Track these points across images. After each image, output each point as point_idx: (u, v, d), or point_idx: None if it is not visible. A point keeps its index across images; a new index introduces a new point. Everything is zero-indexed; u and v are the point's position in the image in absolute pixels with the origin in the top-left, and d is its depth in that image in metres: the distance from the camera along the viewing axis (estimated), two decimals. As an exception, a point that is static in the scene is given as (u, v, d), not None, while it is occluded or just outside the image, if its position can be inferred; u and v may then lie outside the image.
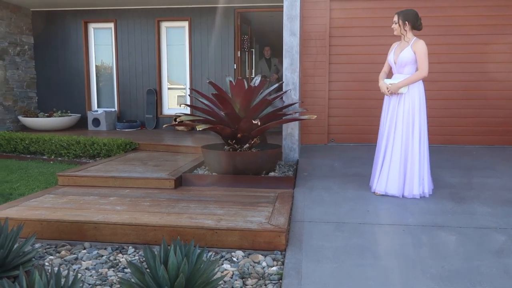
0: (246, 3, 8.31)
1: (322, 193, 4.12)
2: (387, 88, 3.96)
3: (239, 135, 4.63)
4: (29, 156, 6.97)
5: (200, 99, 5.16)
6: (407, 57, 3.84)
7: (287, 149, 5.52)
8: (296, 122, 5.44)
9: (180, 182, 4.47)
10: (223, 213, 3.44)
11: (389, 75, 4.12)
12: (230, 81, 4.80)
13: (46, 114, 8.62)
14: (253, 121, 4.35)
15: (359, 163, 5.32)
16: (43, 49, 9.22)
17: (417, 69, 3.87)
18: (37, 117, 8.51)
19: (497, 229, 3.21)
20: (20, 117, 8.51)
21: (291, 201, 3.85)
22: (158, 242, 3.13)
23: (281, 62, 7.19)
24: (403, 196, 3.90)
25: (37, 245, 3.19)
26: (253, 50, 9.88)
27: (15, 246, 2.67)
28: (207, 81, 4.80)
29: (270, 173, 4.67)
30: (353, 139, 6.52)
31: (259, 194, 4.08)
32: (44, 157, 6.85)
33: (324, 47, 6.39)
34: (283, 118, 4.87)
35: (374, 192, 4.03)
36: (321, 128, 6.47)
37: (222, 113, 4.61)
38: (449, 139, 6.41)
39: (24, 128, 8.56)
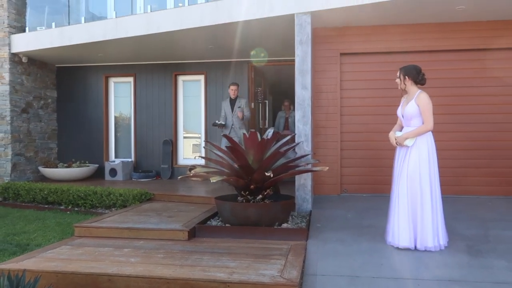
0: (259, 57, 8.64)
1: (335, 246, 4.09)
2: (395, 139, 4.02)
3: (252, 186, 4.69)
4: (47, 206, 7.10)
5: (214, 151, 5.29)
6: (412, 111, 3.93)
7: (300, 200, 5.54)
8: (309, 173, 5.50)
9: (193, 233, 4.50)
10: (236, 266, 3.45)
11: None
12: (244, 134, 4.93)
13: (65, 165, 8.85)
14: (266, 173, 4.43)
15: (373, 214, 5.29)
16: (65, 102, 9.63)
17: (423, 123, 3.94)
18: (57, 167, 8.74)
19: (515, 285, 3.14)
20: (40, 168, 8.75)
21: (304, 253, 3.84)
22: (171, 295, 3.13)
23: (247, 104, 7.71)
24: (415, 248, 3.85)
25: (52, 298, 3.22)
26: (267, 101, 10.11)
27: (31, 299, 2.71)
28: (222, 134, 4.94)
29: (283, 224, 4.67)
30: (366, 189, 6.53)
31: (272, 246, 4.08)
32: (62, 207, 6.97)
33: (336, 99, 6.56)
34: (296, 169, 4.94)
35: (392, 245, 3.97)
36: (333, 178, 6.50)
37: (236, 165, 4.70)
38: (463, 189, 6.36)
39: (44, 178, 8.77)
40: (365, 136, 6.57)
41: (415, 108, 3.91)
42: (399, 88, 4.10)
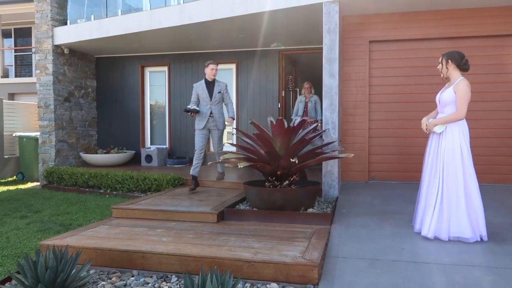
0: (290, 45, 8.71)
1: (359, 230, 4.18)
2: (426, 125, 4.00)
3: (279, 172, 4.83)
4: (87, 189, 7.52)
5: (243, 138, 5.45)
6: (448, 97, 3.84)
7: (327, 186, 5.64)
8: (336, 160, 5.57)
9: (222, 216, 4.70)
10: (260, 247, 3.61)
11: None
12: (271, 121, 5.06)
13: (104, 151, 9.29)
14: (291, 159, 4.55)
15: (399, 201, 5.32)
16: (104, 91, 10.05)
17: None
18: (96, 153, 9.19)
19: (537, 271, 3.14)
20: (81, 154, 9.22)
21: (327, 237, 3.96)
22: (198, 272, 3.34)
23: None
24: (448, 238, 3.79)
25: (91, 271, 3.50)
26: (297, 89, 10.17)
27: (73, 271, 2.98)
28: (250, 122, 5.09)
29: (308, 210, 4.80)
30: (394, 177, 6.53)
31: (296, 229, 4.22)
32: (101, 190, 7.37)
33: (364, 87, 6.56)
34: (322, 156, 5.03)
35: (420, 233, 3.96)
36: (361, 165, 6.54)
37: (263, 151, 4.85)
38: (499, 178, 6.25)
39: (85, 163, 9.25)
40: (394, 123, 6.55)
41: (451, 95, 3.80)
42: (441, 75, 3.98)
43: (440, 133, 3.88)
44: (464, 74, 3.90)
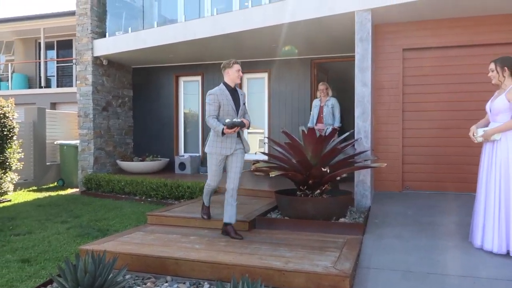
0: (322, 54, 8.71)
1: (391, 241, 4.12)
2: (478, 135, 3.82)
3: (310, 181, 4.83)
4: (123, 196, 7.75)
5: (275, 147, 5.48)
6: (501, 105, 3.71)
7: (359, 195, 5.58)
8: (368, 169, 5.52)
9: (254, 224, 4.74)
10: (291, 256, 3.62)
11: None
12: (303, 131, 5.07)
13: (139, 159, 9.55)
14: (323, 169, 4.54)
15: (434, 211, 5.20)
16: (140, 100, 10.36)
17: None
18: (132, 161, 9.46)
19: None
20: (118, 161, 9.52)
21: (358, 247, 3.92)
22: (230, 279, 3.37)
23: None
24: (497, 252, 3.61)
25: (127, 276, 3.61)
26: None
27: (110, 276, 3.09)
28: (281, 131, 5.12)
29: (340, 219, 4.77)
30: (429, 187, 6.37)
31: (327, 239, 4.20)
32: (136, 197, 7.57)
33: (398, 95, 6.46)
34: (354, 165, 4.99)
35: (481, 248, 3.76)
36: (395, 175, 6.42)
37: (295, 160, 4.87)
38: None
39: (121, 171, 9.53)
40: (428, 132, 6.41)
41: (504, 103, 3.68)
42: (493, 82, 3.82)
43: (494, 142, 3.73)
44: None
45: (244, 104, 4.60)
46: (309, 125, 7.16)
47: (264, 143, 9.14)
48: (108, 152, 9.56)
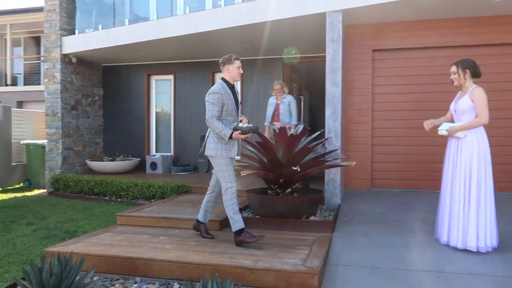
0: (294, 54, 8.77)
1: (360, 238, 4.19)
2: (443, 128, 3.93)
3: (281, 180, 4.86)
4: (93, 196, 7.59)
5: (246, 146, 5.49)
6: (465, 106, 3.84)
7: (329, 194, 5.65)
8: (338, 168, 5.60)
9: (225, 223, 4.71)
10: (262, 254, 3.63)
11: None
12: (274, 130, 5.10)
13: (109, 158, 9.37)
14: (294, 168, 4.58)
15: (402, 209, 5.32)
16: (110, 99, 10.17)
17: (476, 117, 3.81)
18: (102, 161, 9.28)
19: (538, 280, 3.14)
20: (87, 161, 9.31)
21: (328, 244, 3.97)
22: (200, 279, 3.36)
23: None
24: (461, 247, 3.74)
25: (95, 278, 3.53)
26: (302, 97, 10.22)
27: (77, 278, 3.01)
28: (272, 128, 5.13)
29: (311, 217, 4.81)
30: (397, 185, 6.53)
31: (298, 237, 4.24)
32: (106, 198, 7.43)
33: (368, 95, 6.59)
34: (324, 164, 5.06)
35: (447, 244, 3.88)
36: (364, 173, 6.55)
37: (266, 159, 4.89)
38: (501, 186, 6.20)
39: (90, 171, 9.33)
40: (397, 131, 6.57)
41: (468, 103, 3.81)
42: (455, 84, 3.95)
43: (459, 141, 3.85)
44: (476, 81, 3.92)
45: (240, 103, 4.35)
46: (265, 124, 7.00)
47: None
48: (77, 152, 9.34)
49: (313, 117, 11.51)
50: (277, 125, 6.68)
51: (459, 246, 3.75)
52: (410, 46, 6.49)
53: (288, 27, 6.75)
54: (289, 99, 6.81)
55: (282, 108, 6.76)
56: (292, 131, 6.15)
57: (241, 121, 4.15)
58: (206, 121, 3.98)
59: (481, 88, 3.82)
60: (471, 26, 6.26)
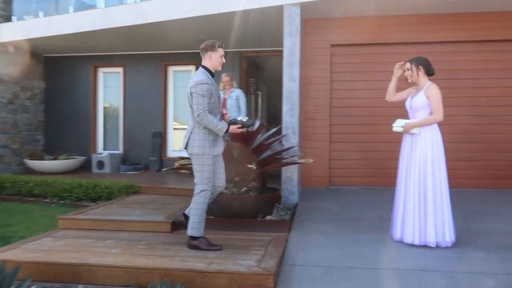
0: (252, 47, 8.77)
1: (317, 237, 4.26)
2: (397, 124, 4.06)
3: (236, 178, 4.84)
4: (32, 199, 7.25)
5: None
6: (420, 102, 4.00)
7: (286, 192, 5.71)
8: (296, 166, 5.66)
9: (177, 225, 4.65)
10: (215, 257, 3.61)
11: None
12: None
13: (51, 157, 9.00)
14: (249, 165, 4.58)
15: (359, 207, 5.46)
16: (53, 92, 9.76)
17: (431, 113, 3.98)
18: (43, 159, 8.89)
19: (488, 274, 3.31)
20: (25, 160, 8.89)
21: (284, 244, 4.01)
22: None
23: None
24: (418, 244, 3.88)
25: (33, 287, 3.37)
26: (260, 92, 10.25)
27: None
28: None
29: (267, 217, 4.84)
30: (355, 182, 6.69)
31: (253, 237, 4.25)
32: (47, 200, 7.12)
33: (326, 91, 6.70)
34: (281, 162, 5.10)
35: (401, 241, 4.00)
36: (322, 171, 6.66)
37: (220, 157, 4.85)
38: (454, 182, 6.48)
39: (30, 171, 8.91)
40: (355, 128, 6.72)
41: (423, 100, 3.97)
42: (409, 81, 4.12)
43: (414, 137, 3.99)
44: (430, 78, 4.10)
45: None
46: None
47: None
48: (14, 150, 8.91)
49: (271, 113, 11.59)
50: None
51: (416, 242, 3.89)
52: (369, 41, 6.65)
53: (245, 19, 6.74)
54: (237, 93, 6.70)
55: (230, 103, 6.59)
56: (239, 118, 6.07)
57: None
58: (196, 116, 3.75)
59: (436, 85, 4.00)
60: (430, 23, 6.48)
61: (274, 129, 5.47)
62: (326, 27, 6.71)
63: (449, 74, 6.52)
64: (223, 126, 3.79)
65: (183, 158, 5.54)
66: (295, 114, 5.83)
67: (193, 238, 3.90)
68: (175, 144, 9.40)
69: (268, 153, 5.20)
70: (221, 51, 3.96)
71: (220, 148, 3.95)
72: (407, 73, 4.13)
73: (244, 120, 3.92)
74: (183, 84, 9.43)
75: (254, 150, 4.90)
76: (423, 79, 4.08)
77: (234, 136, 4.89)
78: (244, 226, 4.55)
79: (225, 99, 6.66)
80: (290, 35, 5.96)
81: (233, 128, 3.86)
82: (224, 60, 4.02)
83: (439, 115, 3.93)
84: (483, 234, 4.27)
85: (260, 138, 5.24)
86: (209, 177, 3.89)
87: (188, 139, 3.88)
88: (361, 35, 6.63)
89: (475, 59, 6.55)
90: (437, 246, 3.85)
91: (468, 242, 4.02)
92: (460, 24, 6.46)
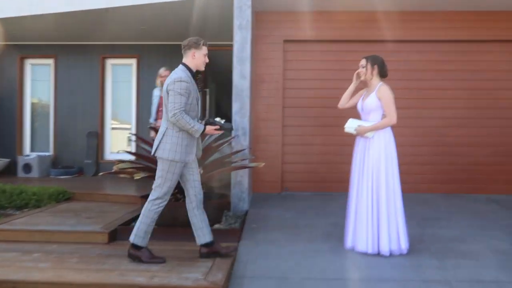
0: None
1: (268, 247, 4.30)
2: (351, 125, 4.14)
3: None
4: None
5: (142, 146, 5.35)
6: (371, 104, 4.10)
7: (236, 198, 5.72)
8: (246, 170, 5.68)
9: (114, 236, 4.56)
10: (158, 269, 3.57)
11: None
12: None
13: (-31, 159, 8.52)
14: (196, 169, 4.55)
15: (312, 213, 5.56)
16: (-30, 86, 9.24)
17: (383, 116, 4.10)
18: (-42, 162, 8.40)
19: (441, 282, 3.49)
20: None
21: (233, 255, 4.01)
22: (82, 302, 3.20)
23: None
24: (372, 252, 3.96)
25: None
26: (207, 90, 10.21)
27: None
28: (149, 126, 5.01)
29: (215, 225, 4.83)
30: (308, 187, 6.80)
31: (200, 248, 4.23)
32: (-37, 208, 6.73)
33: (278, 90, 6.78)
34: (230, 165, 5.10)
35: (353, 250, 4.08)
36: (274, 175, 6.73)
37: (164, 160, 4.78)
38: (408, 187, 6.74)
39: None
40: (309, 130, 6.84)
41: (375, 102, 4.08)
42: (362, 78, 4.23)
43: (367, 141, 4.09)
44: (382, 79, 4.22)
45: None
46: (150, 121, 6.70)
47: (130, 140, 8.85)
48: None
49: (221, 113, 11.58)
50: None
51: (370, 251, 3.99)
52: (325, 38, 6.78)
53: (193, 9, 6.69)
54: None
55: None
56: None
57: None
58: (171, 116, 3.69)
59: (387, 86, 4.13)
60: (385, 21, 6.68)
61: (222, 131, 5.45)
62: (279, 21, 6.79)
63: (403, 74, 6.77)
64: (199, 126, 3.78)
65: (122, 161, 5.40)
66: (245, 114, 5.85)
67: (135, 247, 3.84)
68: (114, 146, 9.18)
69: (216, 156, 5.19)
70: (205, 50, 3.96)
71: (192, 155, 3.93)
72: (361, 70, 4.23)
73: (222, 122, 3.94)
74: (123, 79, 9.23)
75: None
76: (375, 79, 4.19)
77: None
78: (190, 236, 4.46)
79: (161, 97, 6.35)
80: (241, 28, 5.97)
81: (210, 129, 3.87)
82: (207, 60, 4.00)
83: (393, 118, 4.04)
84: (437, 241, 4.48)
85: (207, 139, 5.22)
86: (170, 187, 3.87)
87: (160, 142, 3.83)
88: (316, 31, 6.74)
89: (430, 59, 6.85)
90: (391, 255, 3.97)
91: (422, 249, 4.20)
92: (415, 22, 6.73)
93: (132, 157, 6.80)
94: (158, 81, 6.70)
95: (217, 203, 4.92)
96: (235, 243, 4.40)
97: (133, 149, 8.73)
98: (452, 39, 6.78)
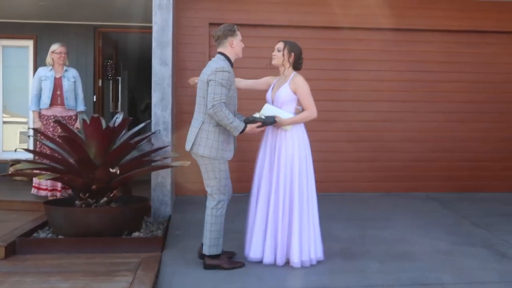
0: (110, 21, 8.49)
1: (196, 256, 4.30)
2: (267, 112, 4.06)
3: (94, 186, 4.69)
4: None
5: (44, 142, 5.14)
6: (285, 96, 4.09)
7: (157, 202, 5.66)
8: (168, 170, 5.64)
9: (13, 249, 4.35)
10: (68, 287, 3.45)
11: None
12: (84, 120, 4.89)
13: None
14: (111, 170, 4.46)
15: (242, 217, 5.61)
16: None
17: (302, 109, 4.10)
18: None
19: (385, 286, 3.69)
20: None
21: (157, 266, 4.00)
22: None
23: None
24: (282, 264, 3.99)
25: None
26: (119, 78, 9.96)
27: None
28: (52, 120, 4.83)
29: (134, 233, 4.77)
30: (238, 188, 6.83)
31: (117, 260, 4.17)
32: None
33: (203, 79, 6.76)
34: (151, 165, 5.05)
35: (260, 261, 4.07)
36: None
37: (72, 159, 4.65)
38: (343, 186, 7.05)
39: None
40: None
41: (288, 93, 4.06)
42: (274, 62, 4.23)
43: (278, 135, 4.06)
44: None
45: None
46: (32, 108, 6.16)
47: (28, 136, 8.44)
48: None
49: (135, 104, 11.36)
50: (59, 111, 6.02)
51: (279, 262, 3.99)
52: (256, 22, 6.85)
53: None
54: (74, 73, 6.28)
55: (67, 87, 6.09)
56: (77, 125, 5.91)
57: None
58: (209, 107, 3.75)
59: (302, 77, 4.13)
60: (316, 5, 6.91)
61: (142, 125, 5.38)
62: (204, 1, 6.79)
63: (336, 64, 6.99)
64: (239, 124, 3.83)
65: (18, 162, 5.08)
66: (167, 106, 5.78)
67: (212, 257, 3.93)
68: (7, 143, 8.71)
69: (134, 154, 5.12)
70: (240, 35, 4.13)
71: (231, 152, 4.09)
72: (275, 54, 4.19)
73: (264, 117, 3.96)
74: (16, 64, 8.78)
75: (116, 151, 4.78)
76: (289, 68, 4.18)
77: (89, 135, 4.71)
78: (105, 246, 4.44)
79: (58, 80, 6.10)
80: (160, 8, 5.88)
81: (252, 128, 3.92)
82: (243, 44, 4.18)
83: (314, 112, 4.05)
84: (378, 243, 4.73)
85: (123, 135, 5.12)
86: (226, 185, 4.05)
87: (195, 136, 3.92)
88: (243, 14, 6.77)
89: (367, 48, 7.15)
90: (302, 266, 3.96)
91: (364, 253, 4.42)
92: (348, 8, 6.93)
93: (31, 156, 6.49)
94: (49, 59, 6.18)
95: (135, 208, 4.86)
96: (158, 252, 4.38)
97: (31, 146, 8.31)
98: (386, 28, 7.09)
